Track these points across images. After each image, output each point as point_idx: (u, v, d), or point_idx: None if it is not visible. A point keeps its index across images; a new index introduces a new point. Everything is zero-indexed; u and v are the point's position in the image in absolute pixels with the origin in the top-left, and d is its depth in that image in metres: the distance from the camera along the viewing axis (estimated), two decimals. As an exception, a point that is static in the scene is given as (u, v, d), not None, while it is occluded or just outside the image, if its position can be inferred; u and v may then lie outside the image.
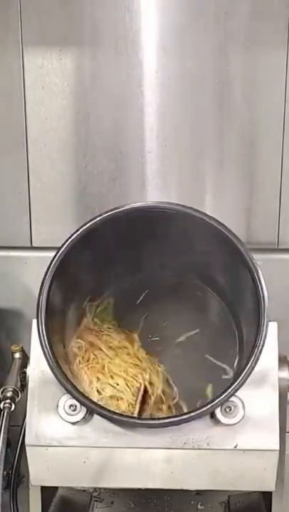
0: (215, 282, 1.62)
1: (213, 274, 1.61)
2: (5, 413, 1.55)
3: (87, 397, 1.47)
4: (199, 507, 1.78)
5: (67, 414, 1.51)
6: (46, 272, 1.48)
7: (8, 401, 1.56)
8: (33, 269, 1.88)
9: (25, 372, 1.62)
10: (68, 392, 1.46)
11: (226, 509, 1.78)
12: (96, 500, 1.81)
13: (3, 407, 1.56)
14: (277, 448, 1.51)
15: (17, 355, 1.65)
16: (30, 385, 1.57)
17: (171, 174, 1.85)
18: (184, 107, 1.80)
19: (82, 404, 1.47)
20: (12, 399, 1.56)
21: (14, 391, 1.57)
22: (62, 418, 1.51)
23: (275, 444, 1.51)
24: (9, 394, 1.57)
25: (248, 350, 1.47)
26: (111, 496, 1.85)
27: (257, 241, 1.86)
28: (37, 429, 1.54)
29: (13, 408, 1.56)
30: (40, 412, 1.54)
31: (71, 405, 1.50)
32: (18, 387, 1.59)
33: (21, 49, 1.77)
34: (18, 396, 1.58)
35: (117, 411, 1.50)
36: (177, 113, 1.81)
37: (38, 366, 1.55)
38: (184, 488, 1.58)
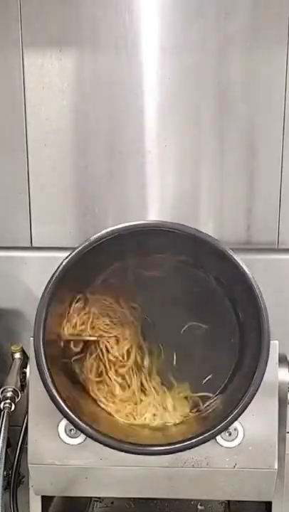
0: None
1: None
2: (5, 413, 1.56)
3: (85, 423, 1.47)
4: (199, 507, 1.78)
5: (68, 436, 1.55)
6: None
7: (8, 401, 1.56)
8: (33, 269, 1.88)
9: (25, 373, 1.62)
10: (68, 420, 1.48)
11: (226, 509, 1.78)
12: (96, 500, 1.80)
13: (3, 407, 1.56)
14: (276, 468, 1.54)
15: (17, 355, 1.65)
16: (31, 385, 1.58)
17: (171, 174, 1.85)
18: (184, 107, 1.80)
19: (81, 431, 1.48)
20: (12, 399, 1.57)
21: (14, 391, 1.58)
22: (63, 440, 1.55)
23: (274, 464, 1.54)
24: (9, 394, 1.57)
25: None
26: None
27: (257, 241, 1.86)
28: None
29: (13, 408, 1.57)
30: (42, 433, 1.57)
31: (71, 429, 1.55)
32: (18, 387, 1.59)
33: (21, 49, 1.77)
34: (18, 396, 1.59)
35: (114, 436, 1.49)
36: (177, 113, 1.81)
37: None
38: (184, 498, 1.64)
